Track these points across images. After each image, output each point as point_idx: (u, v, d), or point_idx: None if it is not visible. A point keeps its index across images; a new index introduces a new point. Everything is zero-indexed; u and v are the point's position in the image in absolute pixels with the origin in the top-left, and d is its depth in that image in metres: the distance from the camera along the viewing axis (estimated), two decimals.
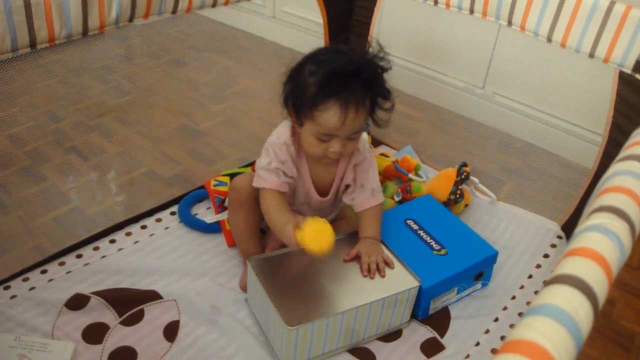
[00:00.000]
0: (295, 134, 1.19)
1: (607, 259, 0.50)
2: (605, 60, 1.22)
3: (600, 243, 0.52)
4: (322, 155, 1.14)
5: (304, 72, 1.10)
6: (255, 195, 1.29)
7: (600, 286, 0.48)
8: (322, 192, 1.26)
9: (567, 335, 0.43)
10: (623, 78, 1.23)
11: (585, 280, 0.47)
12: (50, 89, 2.09)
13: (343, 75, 1.06)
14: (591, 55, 1.24)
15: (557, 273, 0.49)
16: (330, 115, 1.06)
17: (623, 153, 0.70)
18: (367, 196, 1.24)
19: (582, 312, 0.45)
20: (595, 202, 0.60)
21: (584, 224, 0.56)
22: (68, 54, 2.17)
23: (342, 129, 1.08)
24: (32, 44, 1.02)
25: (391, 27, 2.25)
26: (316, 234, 1.01)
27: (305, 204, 1.28)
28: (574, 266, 0.49)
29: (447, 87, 2.20)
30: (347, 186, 1.26)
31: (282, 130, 1.19)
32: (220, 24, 2.89)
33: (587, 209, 0.60)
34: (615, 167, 0.66)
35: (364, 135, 1.75)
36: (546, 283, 0.49)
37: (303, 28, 2.59)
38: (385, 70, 1.13)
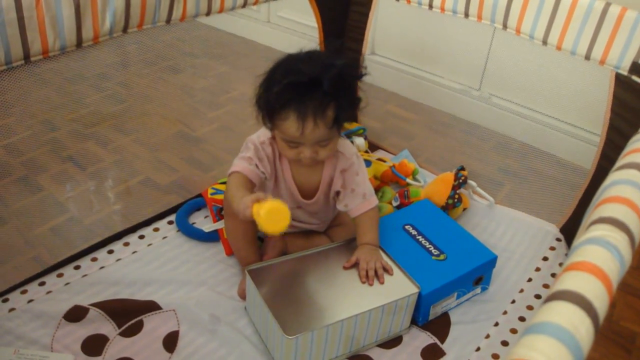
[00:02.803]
0: (274, 136, 1.19)
1: (607, 273, 0.50)
2: (602, 62, 1.22)
3: (600, 257, 0.52)
4: (296, 159, 1.14)
5: (272, 78, 1.10)
6: None
7: (601, 302, 0.47)
8: (308, 195, 1.26)
9: (568, 354, 0.42)
10: (619, 80, 1.23)
11: (585, 297, 0.47)
12: (45, 98, 2.08)
13: (301, 86, 1.04)
14: (587, 58, 1.24)
15: (557, 289, 0.48)
16: (288, 125, 1.06)
17: (621, 161, 0.69)
18: (360, 201, 1.23)
19: (582, 329, 0.44)
20: (594, 212, 0.59)
21: (583, 235, 0.56)
22: (63, 63, 2.15)
23: (304, 138, 1.08)
24: (26, 56, 1.02)
25: (386, 31, 2.24)
26: (272, 214, 0.97)
27: (297, 208, 1.28)
28: (574, 282, 0.49)
29: (443, 89, 2.20)
30: (338, 193, 1.25)
31: (264, 131, 1.20)
32: (215, 29, 2.88)
33: (586, 220, 0.60)
34: (613, 176, 0.66)
35: (359, 140, 1.77)
36: (546, 299, 0.48)
37: (298, 32, 2.59)
38: (357, 78, 1.13)
